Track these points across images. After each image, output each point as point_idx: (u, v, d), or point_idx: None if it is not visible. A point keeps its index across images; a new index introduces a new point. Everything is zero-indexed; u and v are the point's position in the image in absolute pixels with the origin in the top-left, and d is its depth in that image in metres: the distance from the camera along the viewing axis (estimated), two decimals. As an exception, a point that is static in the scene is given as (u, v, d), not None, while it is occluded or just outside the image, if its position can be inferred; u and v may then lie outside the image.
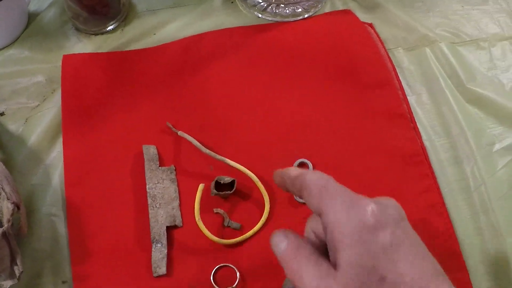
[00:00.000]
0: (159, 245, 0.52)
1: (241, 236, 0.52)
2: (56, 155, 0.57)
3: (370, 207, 0.33)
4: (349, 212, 0.33)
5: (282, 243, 0.37)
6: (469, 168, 0.57)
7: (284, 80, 0.61)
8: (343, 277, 0.33)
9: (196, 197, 0.52)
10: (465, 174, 0.56)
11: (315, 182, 0.36)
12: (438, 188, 0.55)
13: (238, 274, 0.50)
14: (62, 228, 0.53)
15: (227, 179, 0.54)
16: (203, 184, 0.52)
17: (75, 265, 0.50)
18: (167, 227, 0.52)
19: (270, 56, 0.62)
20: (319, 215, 0.35)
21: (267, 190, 0.54)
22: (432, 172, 0.56)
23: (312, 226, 0.40)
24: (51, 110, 0.59)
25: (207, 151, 0.54)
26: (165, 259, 0.51)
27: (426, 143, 0.58)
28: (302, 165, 0.56)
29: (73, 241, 0.51)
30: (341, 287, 0.33)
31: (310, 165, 0.55)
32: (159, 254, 0.51)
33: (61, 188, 0.55)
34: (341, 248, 0.33)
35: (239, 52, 0.62)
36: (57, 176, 0.55)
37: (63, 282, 0.50)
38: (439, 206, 0.54)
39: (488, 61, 0.65)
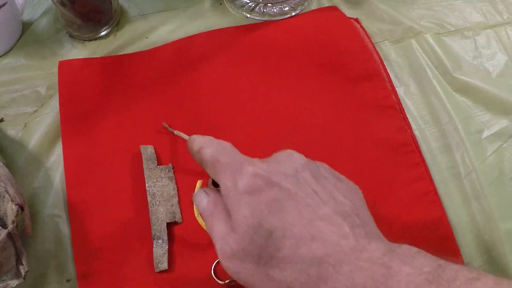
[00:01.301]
0: (160, 241, 0.53)
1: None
2: (56, 158, 0.58)
3: (251, 170, 0.36)
4: (234, 180, 0.36)
5: (203, 200, 0.41)
6: (459, 155, 0.58)
7: (274, 77, 0.62)
8: (236, 236, 0.35)
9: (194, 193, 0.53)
10: (456, 162, 0.57)
11: (210, 155, 0.40)
12: (429, 176, 0.56)
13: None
14: (65, 228, 0.54)
15: (223, 174, 0.55)
16: (201, 181, 0.53)
17: (78, 264, 0.51)
18: (168, 224, 0.53)
19: (260, 55, 0.64)
20: (211, 173, 0.40)
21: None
22: (423, 161, 0.57)
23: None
24: (49, 115, 0.60)
25: (203, 148, 0.55)
26: (167, 254, 0.52)
27: (416, 133, 0.60)
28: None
29: (76, 241, 0.52)
30: (236, 244, 0.35)
31: None
32: (160, 250, 0.52)
33: (63, 190, 0.56)
34: (232, 212, 0.36)
35: (229, 52, 0.63)
36: (58, 178, 0.56)
37: (68, 281, 0.51)
38: (431, 194, 0.55)
39: (473, 49, 0.66)
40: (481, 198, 0.55)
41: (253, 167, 0.37)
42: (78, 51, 0.65)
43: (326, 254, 0.33)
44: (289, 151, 0.40)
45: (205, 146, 0.41)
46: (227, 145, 0.41)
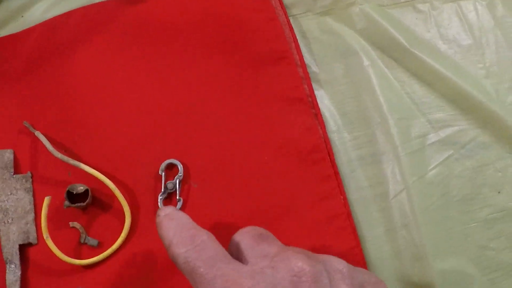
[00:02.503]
0: (12, 266, 0.45)
1: (98, 256, 0.45)
2: None
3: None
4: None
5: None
6: (388, 168, 0.45)
7: (156, 64, 0.50)
8: None
9: (42, 212, 0.44)
10: (382, 177, 0.46)
11: (183, 259, 0.33)
12: (342, 194, 0.45)
13: (91, 301, 0.43)
14: None
15: (80, 188, 0.46)
16: (50, 197, 0.44)
17: None
18: (21, 245, 0.46)
19: (143, 33, 0.51)
20: None
21: (128, 199, 0.46)
22: (337, 173, 0.45)
23: None
24: None
25: (60, 155, 0.46)
26: (19, 282, 0.45)
27: (332, 136, 0.47)
28: (171, 166, 0.46)
29: None
30: None
31: (180, 166, 0.46)
32: (12, 276, 0.45)
33: None
34: None
35: (107, 32, 0.51)
36: None
37: None
38: (342, 217, 0.44)
39: (428, 28, 0.51)
40: (411, 226, 0.43)
41: None
42: None
43: None
44: (286, 255, 0.32)
45: (175, 241, 0.33)
46: (205, 239, 0.33)
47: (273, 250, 0.33)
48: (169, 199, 0.46)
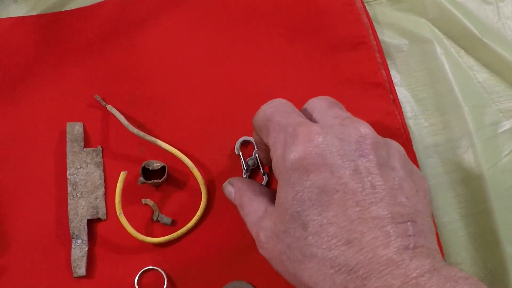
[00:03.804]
0: (79, 241, 0.44)
1: (172, 234, 0.44)
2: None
3: (302, 144, 0.31)
4: (284, 150, 0.32)
5: (231, 192, 0.40)
6: (463, 155, 0.45)
7: (233, 41, 0.50)
8: (273, 219, 0.33)
9: (117, 188, 0.43)
10: (457, 164, 0.46)
11: (264, 114, 0.35)
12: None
13: (165, 280, 0.43)
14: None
15: (156, 164, 0.45)
16: (126, 172, 0.43)
17: None
18: (89, 220, 0.45)
19: (218, 12, 0.51)
20: (266, 143, 0.35)
21: (205, 178, 0.45)
22: (415, 159, 0.45)
23: (255, 139, 0.39)
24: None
25: (135, 130, 0.45)
26: (85, 258, 0.44)
27: (410, 122, 0.47)
28: (245, 144, 0.46)
29: (-9, 231, 0.45)
30: (269, 228, 0.33)
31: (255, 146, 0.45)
32: (79, 252, 0.44)
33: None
34: (278, 186, 0.33)
35: (183, 8, 0.51)
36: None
37: None
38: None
39: (496, 19, 0.51)
40: (486, 212, 0.43)
41: (307, 138, 0.31)
42: (17, 6, 0.54)
43: (357, 264, 0.28)
44: (356, 119, 0.34)
45: (266, 107, 0.36)
46: (284, 101, 0.36)
47: (345, 114, 0.35)
48: (252, 176, 0.46)
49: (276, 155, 0.33)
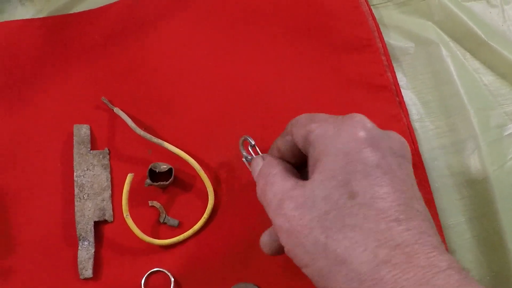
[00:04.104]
0: (86, 243, 0.44)
1: (178, 236, 0.44)
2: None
3: (366, 123, 0.33)
4: (340, 126, 0.32)
5: (259, 163, 0.37)
6: (469, 157, 0.45)
7: (238, 43, 0.50)
8: (311, 186, 0.32)
9: (124, 190, 0.43)
10: (463, 166, 0.46)
11: (303, 115, 0.36)
12: (426, 182, 0.45)
13: (172, 282, 0.43)
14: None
15: (163, 166, 0.45)
16: (132, 174, 0.44)
17: None
18: (96, 222, 0.45)
19: (224, 14, 0.51)
20: (306, 136, 0.34)
21: (211, 180, 0.45)
22: (421, 162, 0.45)
23: (280, 144, 0.38)
24: (-17, 83, 0.51)
25: (142, 132, 0.45)
26: (92, 259, 0.44)
27: (415, 124, 0.47)
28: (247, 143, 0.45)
29: (-2, 232, 0.45)
30: (304, 197, 0.31)
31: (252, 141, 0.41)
32: (85, 253, 0.44)
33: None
34: (322, 158, 0.32)
35: (189, 10, 0.51)
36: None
37: None
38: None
39: (501, 22, 0.51)
40: (491, 214, 0.44)
41: (370, 123, 0.33)
42: (25, 9, 0.54)
43: (403, 241, 0.29)
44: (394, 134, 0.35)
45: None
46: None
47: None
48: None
49: (325, 130, 0.33)
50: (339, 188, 0.30)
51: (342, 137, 0.32)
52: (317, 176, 0.32)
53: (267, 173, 0.35)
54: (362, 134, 0.32)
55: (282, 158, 0.38)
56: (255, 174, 0.37)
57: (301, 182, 0.33)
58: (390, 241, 0.29)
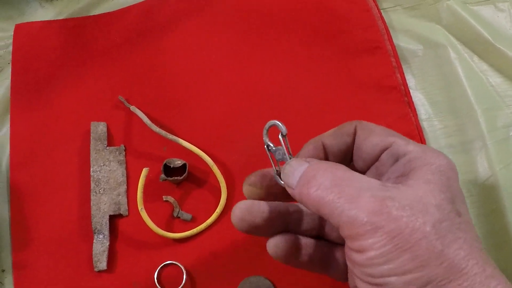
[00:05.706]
0: (100, 236, 0.46)
1: (192, 230, 0.45)
2: (5, 133, 0.51)
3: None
4: (431, 151, 0.32)
5: (303, 165, 0.32)
6: (477, 156, 0.46)
7: (252, 45, 0.52)
8: (414, 191, 0.30)
9: (139, 183, 0.45)
10: (470, 164, 0.47)
11: (373, 124, 0.36)
12: (435, 181, 0.45)
13: (184, 274, 0.44)
14: (5, 212, 0.48)
15: (178, 162, 0.46)
16: (147, 168, 0.45)
17: (16, 253, 0.46)
18: (111, 216, 0.46)
19: (238, 17, 0.53)
20: (385, 145, 0.33)
21: (224, 176, 0.46)
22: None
23: (333, 143, 0.35)
24: (3, 83, 0.53)
25: (158, 129, 0.47)
26: (107, 252, 0.45)
27: (424, 124, 0.48)
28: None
29: (16, 227, 0.47)
30: (408, 200, 0.30)
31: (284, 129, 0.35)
32: (100, 246, 0.45)
33: (8, 169, 0.49)
34: (422, 170, 0.31)
35: (204, 14, 0.53)
36: (5, 156, 0.50)
37: (2, 271, 0.46)
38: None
39: (509, 26, 0.52)
40: (498, 212, 0.44)
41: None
42: (45, 11, 0.57)
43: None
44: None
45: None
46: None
47: None
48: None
49: (418, 150, 0.33)
50: (449, 203, 0.30)
51: (441, 160, 0.32)
52: (420, 184, 0.31)
53: (334, 172, 0.31)
54: (454, 166, 0.33)
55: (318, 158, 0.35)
56: (293, 175, 0.33)
57: (387, 183, 0.31)
58: (491, 261, 0.30)
